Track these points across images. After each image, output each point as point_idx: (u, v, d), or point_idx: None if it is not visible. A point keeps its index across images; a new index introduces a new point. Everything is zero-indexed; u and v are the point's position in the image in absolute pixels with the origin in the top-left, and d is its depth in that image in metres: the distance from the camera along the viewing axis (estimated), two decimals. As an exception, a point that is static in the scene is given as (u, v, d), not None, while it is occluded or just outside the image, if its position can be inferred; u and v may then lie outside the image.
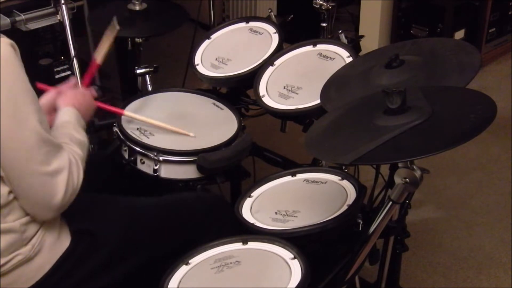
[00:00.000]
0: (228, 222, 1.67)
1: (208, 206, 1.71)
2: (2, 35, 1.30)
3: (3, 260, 1.36)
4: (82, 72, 2.10)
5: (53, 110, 1.59)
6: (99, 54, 1.87)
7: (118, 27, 1.88)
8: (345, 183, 1.73)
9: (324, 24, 2.27)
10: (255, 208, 1.70)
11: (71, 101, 1.60)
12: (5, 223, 1.34)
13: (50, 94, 1.63)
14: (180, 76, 2.65)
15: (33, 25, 2.59)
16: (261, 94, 1.98)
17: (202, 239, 1.57)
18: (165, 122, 1.93)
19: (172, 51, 3.70)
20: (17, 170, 1.30)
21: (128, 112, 1.92)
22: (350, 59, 1.95)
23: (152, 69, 2.22)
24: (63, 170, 1.34)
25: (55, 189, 1.33)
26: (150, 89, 2.20)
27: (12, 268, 1.37)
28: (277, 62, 2.06)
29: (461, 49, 1.66)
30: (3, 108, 1.25)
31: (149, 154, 1.80)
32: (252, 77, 2.03)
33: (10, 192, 1.33)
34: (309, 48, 2.08)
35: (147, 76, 2.22)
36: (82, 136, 1.50)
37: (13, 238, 1.35)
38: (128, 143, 1.85)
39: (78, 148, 1.45)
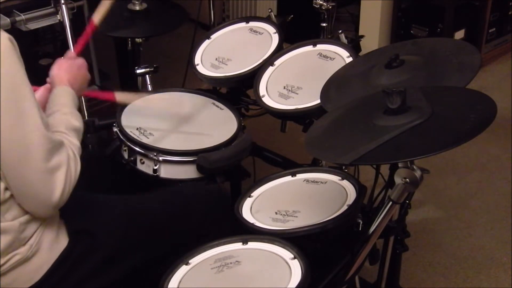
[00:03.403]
0: (227, 213, 1.67)
1: (207, 199, 1.71)
2: (1, 30, 1.29)
3: (1, 261, 1.36)
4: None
5: (44, 106, 1.57)
6: (98, 15, 1.81)
7: None
8: (345, 183, 1.73)
9: (324, 24, 2.27)
10: (255, 208, 1.70)
11: (66, 76, 1.58)
12: (3, 222, 1.34)
13: (39, 93, 1.62)
14: (180, 76, 2.65)
15: (33, 25, 2.59)
16: (261, 94, 1.98)
17: (202, 231, 1.57)
18: (165, 122, 1.93)
19: (172, 51, 3.70)
20: (17, 166, 1.29)
21: (118, 94, 1.86)
22: (350, 59, 1.95)
23: (152, 69, 2.22)
24: (62, 166, 1.33)
25: (54, 185, 1.32)
26: (150, 89, 2.20)
27: (10, 268, 1.37)
28: (277, 62, 2.06)
29: (461, 49, 1.66)
30: (3, 103, 1.25)
31: (148, 154, 1.80)
32: (252, 77, 2.03)
33: (6, 188, 1.32)
34: (309, 48, 2.08)
35: (147, 76, 2.22)
36: (79, 122, 1.49)
37: (11, 237, 1.35)
38: (127, 143, 1.85)
39: (75, 137, 1.44)
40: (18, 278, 1.39)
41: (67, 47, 2.40)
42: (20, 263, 1.38)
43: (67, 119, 1.47)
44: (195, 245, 1.54)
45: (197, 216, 1.67)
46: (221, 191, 1.84)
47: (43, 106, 1.56)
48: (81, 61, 1.68)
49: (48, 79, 1.63)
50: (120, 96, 1.85)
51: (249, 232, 1.59)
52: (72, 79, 1.59)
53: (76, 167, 1.37)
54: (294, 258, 1.45)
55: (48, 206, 1.34)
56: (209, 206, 1.70)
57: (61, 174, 1.33)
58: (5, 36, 1.27)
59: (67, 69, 1.61)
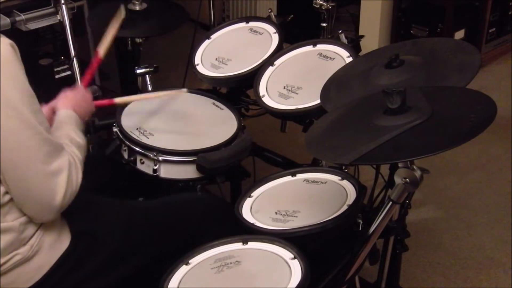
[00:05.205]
0: (228, 223, 1.67)
1: (208, 207, 1.72)
2: (2, 35, 1.30)
3: (1, 260, 1.36)
4: (82, 72, 2.10)
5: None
6: (103, 47, 1.86)
7: (124, 15, 1.86)
8: (345, 183, 1.73)
9: (324, 24, 2.27)
10: (255, 208, 1.70)
11: (70, 103, 1.60)
12: (4, 222, 1.34)
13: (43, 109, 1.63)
14: (180, 76, 2.65)
15: (33, 25, 2.59)
16: (261, 94, 1.98)
17: (202, 240, 1.57)
18: (165, 122, 1.93)
19: (172, 51, 3.70)
20: (17, 170, 1.30)
21: (118, 99, 1.89)
22: (350, 59, 1.95)
23: (152, 69, 2.22)
24: (63, 170, 1.34)
25: (55, 189, 1.32)
26: (150, 89, 2.20)
27: (10, 268, 1.37)
28: (277, 62, 2.06)
29: (461, 49, 1.66)
30: (3, 108, 1.25)
31: (148, 154, 1.80)
32: (252, 77, 2.03)
33: (7, 192, 1.33)
34: (309, 48, 2.08)
35: (147, 76, 2.22)
36: (81, 139, 1.50)
37: (11, 237, 1.35)
38: (127, 143, 1.85)
39: (77, 150, 1.45)
40: (18, 278, 1.39)
41: (67, 47, 2.41)
42: (21, 263, 1.38)
43: (70, 135, 1.48)
44: (195, 246, 1.54)
45: (197, 218, 1.67)
46: (221, 197, 1.85)
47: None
48: (86, 93, 1.72)
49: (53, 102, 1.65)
50: (119, 100, 1.89)
51: (249, 232, 1.59)
52: (76, 106, 1.61)
53: (77, 175, 1.38)
54: (294, 258, 1.45)
55: (49, 211, 1.35)
56: (209, 210, 1.70)
57: (63, 178, 1.33)
58: (6, 42, 1.28)
59: (71, 97, 1.64)
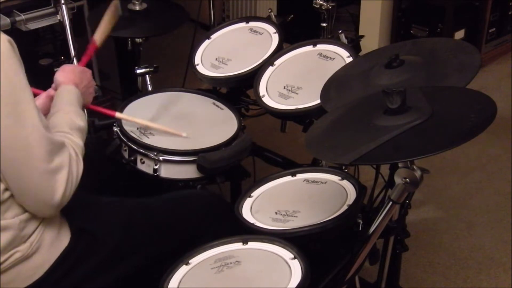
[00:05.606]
0: (228, 221, 1.67)
1: (208, 205, 1.71)
2: (0, 32, 1.29)
3: (1, 258, 1.36)
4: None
5: (45, 113, 1.56)
6: (100, 36, 1.81)
7: (120, 13, 1.82)
8: (345, 183, 1.73)
9: (324, 24, 2.27)
10: (255, 208, 1.70)
11: (71, 78, 1.59)
12: (3, 220, 1.34)
13: (40, 100, 1.63)
14: (180, 76, 2.65)
15: (33, 25, 2.59)
16: (261, 94, 1.98)
17: (202, 238, 1.57)
18: (165, 122, 1.93)
19: (172, 51, 3.70)
20: (17, 168, 1.29)
21: (119, 114, 1.89)
22: (350, 59, 1.95)
23: (152, 69, 2.22)
24: (64, 167, 1.33)
25: (55, 186, 1.32)
26: (150, 89, 2.20)
27: (10, 265, 1.37)
28: (277, 62, 2.06)
29: (461, 49, 1.66)
30: (3, 105, 1.25)
31: (149, 154, 1.80)
32: (252, 77, 2.03)
33: (6, 189, 1.32)
34: (309, 48, 2.08)
35: (147, 76, 2.22)
36: (83, 121, 1.49)
37: (11, 235, 1.35)
38: (128, 143, 1.85)
39: (78, 136, 1.44)
40: (18, 275, 1.39)
41: (67, 47, 2.40)
42: (21, 261, 1.38)
43: (71, 118, 1.47)
44: (194, 244, 1.54)
45: (197, 218, 1.67)
46: (221, 196, 1.85)
47: (44, 113, 1.55)
48: (84, 68, 1.70)
49: (53, 85, 1.63)
50: (120, 115, 1.87)
51: (249, 232, 1.59)
52: (77, 80, 1.60)
53: (78, 168, 1.38)
54: (294, 258, 1.45)
55: (50, 207, 1.35)
56: (208, 209, 1.70)
57: (63, 175, 1.33)
58: (4, 38, 1.28)
59: (70, 70, 1.63)
